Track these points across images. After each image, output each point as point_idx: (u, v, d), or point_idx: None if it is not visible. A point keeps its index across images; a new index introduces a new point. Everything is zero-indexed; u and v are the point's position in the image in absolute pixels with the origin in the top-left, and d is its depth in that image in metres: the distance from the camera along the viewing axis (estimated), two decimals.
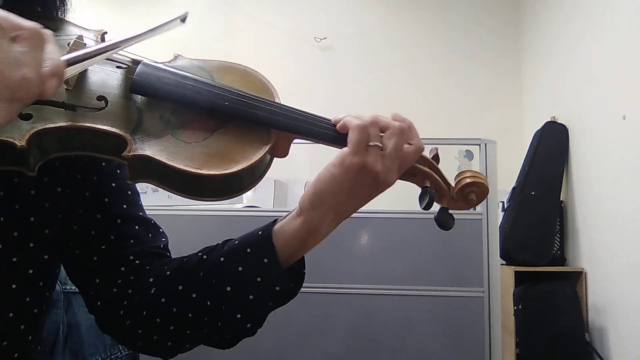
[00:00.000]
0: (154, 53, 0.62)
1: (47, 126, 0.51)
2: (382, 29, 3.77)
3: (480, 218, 1.73)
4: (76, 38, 0.59)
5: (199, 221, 1.80)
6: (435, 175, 0.64)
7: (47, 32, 0.43)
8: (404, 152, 0.59)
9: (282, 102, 0.62)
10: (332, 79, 3.66)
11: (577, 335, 2.54)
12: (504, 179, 2.46)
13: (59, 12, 0.66)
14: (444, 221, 0.63)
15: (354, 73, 3.69)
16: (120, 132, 0.54)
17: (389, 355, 1.71)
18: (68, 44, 0.58)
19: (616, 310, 2.38)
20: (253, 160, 0.55)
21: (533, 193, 2.81)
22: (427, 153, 0.65)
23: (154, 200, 1.97)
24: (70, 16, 0.67)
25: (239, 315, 0.60)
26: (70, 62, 0.46)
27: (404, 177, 0.63)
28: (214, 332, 0.62)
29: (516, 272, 2.69)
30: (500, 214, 2.81)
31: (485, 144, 1.77)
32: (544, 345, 2.56)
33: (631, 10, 2.33)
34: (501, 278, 1.76)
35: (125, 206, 0.68)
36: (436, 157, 0.65)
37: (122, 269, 0.65)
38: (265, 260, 0.58)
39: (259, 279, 0.58)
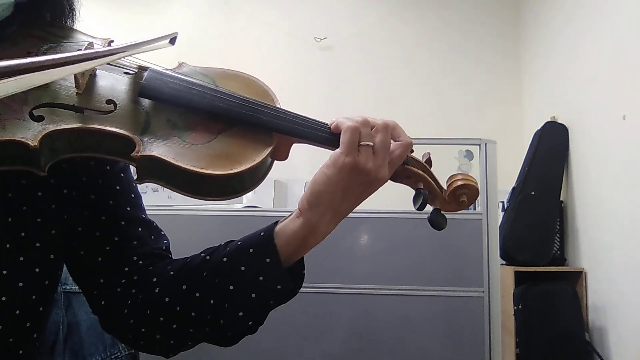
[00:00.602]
0: (156, 58, 0.64)
1: (59, 128, 0.54)
2: (382, 29, 3.77)
3: (480, 218, 1.73)
4: (87, 44, 0.61)
5: (199, 221, 1.80)
6: (428, 178, 0.67)
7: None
8: (392, 149, 0.62)
9: (282, 107, 0.64)
10: (332, 79, 3.66)
11: (577, 335, 2.54)
12: (504, 179, 2.46)
13: (68, 21, 0.68)
14: (437, 222, 0.66)
15: (354, 73, 3.70)
16: (129, 134, 0.56)
17: (389, 355, 1.71)
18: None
19: (616, 310, 2.38)
20: (256, 162, 0.57)
21: (533, 193, 2.81)
22: (420, 157, 0.68)
23: (154, 200, 1.97)
24: (78, 24, 0.69)
25: (241, 314, 0.61)
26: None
27: (398, 180, 0.66)
28: (216, 331, 0.63)
29: (516, 272, 2.69)
30: (500, 214, 2.81)
31: (485, 144, 1.77)
32: (544, 345, 2.56)
33: (631, 10, 2.33)
34: (501, 278, 1.76)
35: (129, 208, 0.70)
36: (429, 161, 0.68)
37: (126, 269, 0.66)
38: (268, 260, 0.60)
39: (261, 278, 0.60)
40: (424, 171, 0.67)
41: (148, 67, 0.62)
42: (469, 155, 3.20)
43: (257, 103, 0.62)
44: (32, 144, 0.51)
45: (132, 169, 0.58)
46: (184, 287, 0.63)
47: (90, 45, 0.62)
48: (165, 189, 0.59)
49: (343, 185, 0.59)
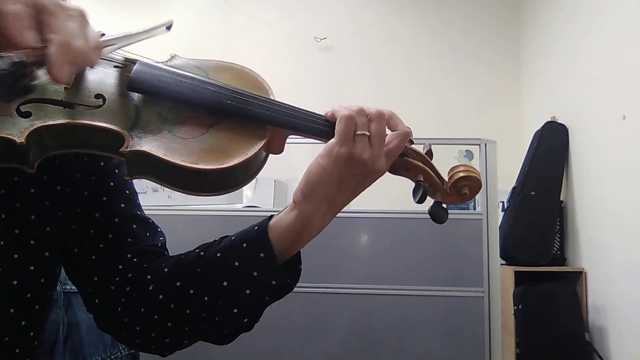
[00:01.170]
0: (153, 54, 0.63)
1: (46, 123, 0.53)
2: (382, 29, 3.77)
3: (480, 218, 1.73)
4: None
5: (198, 221, 1.80)
6: (428, 170, 0.65)
7: (87, 13, 0.51)
8: (389, 139, 0.60)
9: (277, 99, 0.63)
10: (332, 79, 3.66)
11: (577, 335, 2.54)
12: (504, 179, 2.46)
13: None
14: (438, 214, 0.65)
15: (354, 73, 3.70)
16: (118, 129, 0.55)
17: (389, 355, 1.71)
18: None
19: (616, 310, 2.38)
20: (248, 155, 0.56)
21: (533, 193, 2.81)
22: (420, 149, 0.66)
23: (154, 200, 1.97)
24: None
25: (235, 310, 0.60)
26: (105, 44, 0.53)
27: (397, 172, 0.64)
28: (211, 328, 0.63)
29: (516, 272, 2.69)
30: (500, 214, 2.81)
31: (485, 144, 1.77)
32: (544, 345, 2.56)
33: (631, 10, 2.33)
34: (501, 278, 1.76)
35: (123, 205, 0.69)
36: (429, 153, 0.66)
37: (120, 267, 0.65)
38: (262, 254, 0.59)
39: (255, 274, 0.59)
40: (424, 163, 0.65)
41: (137, 60, 0.61)
42: (469, 155, 3.19)
43: (250, 95, 0.60)
44: (19, 141, 0.50)
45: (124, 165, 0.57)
46: (178, 284, 0.62)
47: None
48: (165, 188, 0.58)
49: (338, 177, 0.58)
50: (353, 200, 0.63)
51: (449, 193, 0.65)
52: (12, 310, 0.59)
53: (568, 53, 2.96)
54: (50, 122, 0.53)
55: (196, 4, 3.83)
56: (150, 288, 0.64)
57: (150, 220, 0.72)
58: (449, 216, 0.66)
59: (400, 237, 1.76)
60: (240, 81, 0.64)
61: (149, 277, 0.65)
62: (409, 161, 0.64)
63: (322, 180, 0.58)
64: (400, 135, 0.61)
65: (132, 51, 0.61)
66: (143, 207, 0.72)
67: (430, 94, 3.64)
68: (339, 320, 1.73)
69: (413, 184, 0.65)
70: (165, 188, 0.58)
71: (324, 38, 3.70)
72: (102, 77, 0.59)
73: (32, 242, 0.61)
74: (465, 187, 0.64)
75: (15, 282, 0.59)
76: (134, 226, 0.69)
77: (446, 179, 0.66)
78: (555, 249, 2.83)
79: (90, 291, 0.66)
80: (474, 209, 2.19)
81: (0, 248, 0.58)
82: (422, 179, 0.64)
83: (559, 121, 2.93)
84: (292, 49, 3.74)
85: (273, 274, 0.59)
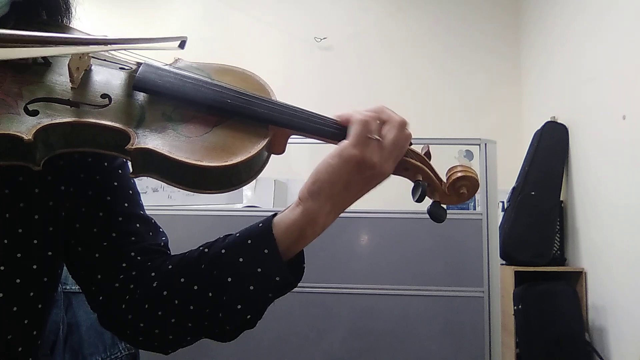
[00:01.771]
0: (156, 57, 0.64)
1: (53, 122, 0.54)
2: (382, 29, 3.77)
3: (480, 218, 1.74)
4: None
5: (199, 221, 1.80)
6: (427, 170, 0.66)
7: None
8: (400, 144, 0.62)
9: (278, 100, 0.64)
10: (332, 79, 3.66)
11: (577, 335, 2.54)
12: (504, 179, 2.46)
13: (64, 19, 0.68)
14: (437, 214, 0.65)
15: (355, 73, 3.70)
16: (123, 127, 0.56)
17: (389, 355, 1.71)
18: None
19: (616, 310, 2.38)
20: (251, 154, 0.57)
21: (533, 193, 2.81)
22: (419, 149, 0.67)
23: (154, 200, 1.97)
24: (74, 23, 0.69)
25: (239, 306, 0.61)
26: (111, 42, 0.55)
27: (397, 172, 0.65)
28: (214, 324, 0.63)
29: (516, 272, 2.69)
30: (500, 214, 2.81)
31: (485, 144, 1.77)
32: (544, 346, 2.56)
33: (631, 10, 2.33)
34: (501, 278, 1.76)
35: (126, 205, 0.70)
36: (428, 154, 0.67)
37: (124, 265, 0.66)
38: (266, 251, 0.60)
39: (259, 270, 0.60)
40: (423, 163, 0.66)
41: (143, 62, 0.62)
42: (469, 155, 3.19)
43: (252, 96, 0.62)
44: (27, 138, 0.51)
45: (129, 163, 0.58)
46: (182, 280, 0.63)
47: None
48: (165, 188, 0.59)
49: (347, 177, 0.59)
50: None
51: (448, 193, 0.66)
52: (15, 309, 0.60)
53: (568, 53, 2.96)
54: (58, 121, 0.54)
55: (196, 4, 3.83)
56: (154, 285, 0.64)
57: (153, 220, 0.73)
58: (449, 216, 0.67)
59: (400, 237, 1.76)
60: (242, 83, 0.65)
61: (153, 274, 0.65)
62: (408, 161, 0.65)
63: (330, 179, 0.59)
64: (406, 138, 0.62)
65: (137, 54, 0.62)
66: (144, 207, 0.73)
67: (430, 93, 3.64)
68: (339, 320, 1.73)
69: (412, 184, 0.66)
70: (165, 188, 0.59)
71: (324, 38, 3.70)
72: (108, 78, 0.61)
73: (35, 241, 0.61)
74: (463, 187, 0.65)
75: (18, 281, 0.60)
76: (137, 225, 0.69)
77: (444, 179, 0.67)
78: (555, 249, 2.83)
79: (94, 289, 0.67)
80: (474, 209, 2.19)
81: (4, 247, 0.59)
82: (421, 179, 0.65)
83: (559, 121, 2.94)
84: (292, 49, 3.74)
85: (277, 271, 0.60)
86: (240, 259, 0.60)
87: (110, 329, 0.69)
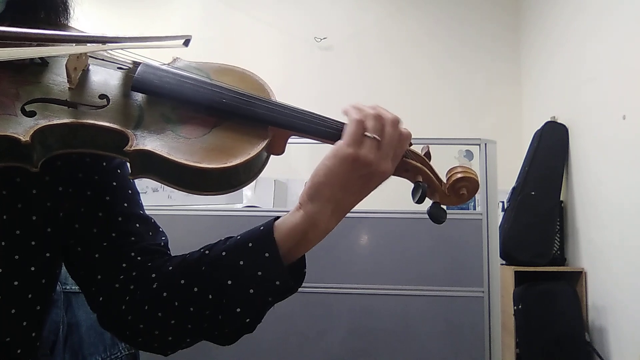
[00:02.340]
0: (155, 57, 0.63)
1: (51, 123, 0.54)
2: (382, 30, 3.77)
3: (480, 218, 1.73)
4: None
5: (199, 221, 1.80)
6: (427, 171, 0.66)
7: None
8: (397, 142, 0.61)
9: (278, 101, 0.64)
10: (332, 79, 3.66)
11: (577, 335, 2.54)
12: (504, 179, 2.46)
13: (62, 19, 0.67)
14: (437, 215, 0.65)
15: (355, 73, 3.69)
16: (122, 128, 0.56)
17: (389, 355, 1.71)
18: None
19: (616, 310, 2.38)
20: (251, 155, 0.57)
21: (533, 193, 2.81)
22: (419, 150, 0.67)
23: (154, 200, 1.97)
24: (72, 23, 0.68)
25: (238, 310, 0.60)
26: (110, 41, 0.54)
27: (397, 173, 0.65)
28: (214, 327, 0.63)
29: (516, 272, 2.69)
30: (500, 214, 2.81)
31: (485, 144, 1.77)
32: (544, 345, 2.56)
33: (631, 10, 2.33)
34: (501, 278, 1.76)
35: (126, 204, 0.69)
36: (428, 154, 0.67)
37: (124, 265, 0.66)
38: (267, 254, 0.59)
39: (259, 273, 0.59)
40: (423, 164, 0.66)
41: (141, 62, 0.61)
42: (469, 155, 3.20)
43: (252, 96, 0.61)
44: (24, 139, 0.51)
45: (127, 164, 0.58)
46: (182, 281, 0.62)
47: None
48: (165, 188, 0.59)
49: (344, 177, 0.58)
50: None
51: (447, 194, 0.66)
52: (13, 311, 0.59)
53: (568, 53, 2.96)
54: (55, 122, 0.54)
55: (196, 3, 3.83)
56: (155, 286, 0.64)
57: (152, 220, 0.72)
58: (449, 216, 0.67)
59: (400, 237, 1.76)
60: (242, 83, 0.64)
61: (153, 275, 0.65)
62: (408, 162, 0.65)
63: (327, 180, 0.59)
64: (405, 138, 0.62)
65: (136, 53, 0.62)
66: (143, 206, 0.73)
67: (430, 93, 3.64)
68: (339, 320, 1.73)
69: (412, 185, 0.66)
70: (165, 188, 0.59)
71: (324, 38, 3.70)
72: (106, 78, 0.60)
73: (33, 243, 0.61)
74: (463, 188, 0.65)
75: (16, 283, 0.59)
76: (137, 225, 0.69)
77: (444, 180, 0.67)
78: (555, 249, 2.83)
79: (94, 290, 0.66)
80: (474, 209, 2.19)
81: (2, 249, 0.58)
82: (421, 180, 0.65)
83: (559, 121, 2.93)
84: (292, 49, 3.74)
85: (277, 274, 0.59)
86: (241, 262, 0.60)
87: (109, 330, 0.68)
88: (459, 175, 0.65)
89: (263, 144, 0.58)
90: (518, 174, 2.93)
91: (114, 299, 0.65)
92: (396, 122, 0.61)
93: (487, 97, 3.64)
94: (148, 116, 0.58)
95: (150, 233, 0.70)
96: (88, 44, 0.56)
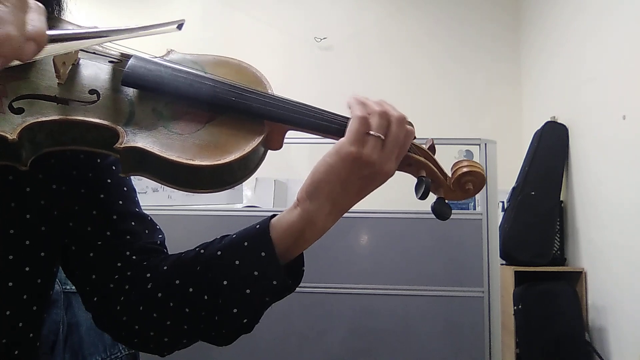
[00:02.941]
0: (150, 50, 0.62)
1: (39, 120, 0.52)
2: (382, 29, 3.77)
3: (480, 218, 1.73)
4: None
5: (198, 221, 1.80)
6: (431, 165, 0.63)
7: (33, 1, 0.44)
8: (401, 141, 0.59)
9: (275, 94, 0.61)
10: (332, 79, 3.66)
11: (577, 335, 2.54)
12: (504, 179, 2.46)
13: (55, 11, 0.66)
14: (442, 211, 0.63)
15: (355, 73, 3.70)
16: (112, 125, 0.54)
17: (389, 355, 1.71)
18: None
19: (616, 310, 2.38)
20: (246, 151, 0.55)
21: (533, 193, 2.81)
22: (424, 144, 0.65)
23: (154, 200, 1.97)
24: (66, 16, 0.67)
25: (235, 310, 0.59)
26: (54, 38, 0.46)
27: (399, 168, 0.63)
28: (211, 328, 0.62)
29: (516, 272, 2.69)
30: (500, 214, 2.81)
31: (485, 144, 1.78)
32: (544, 345, 2.56)
33: (631, 10, 2.33)
34: (501, 278, 1.76)
35: (121, 202, 0.68)
36: (432, 147, 0.65)
37: (119, 264, 0.64)
38: (263, 254, 0.57)
39: (256, 273, 0.58)
40: (427, 158, 0.63)
41: (132, 55, 0.59)
42: (469, 155, 3.19)
43: (247, 89, 0.59)
44: (11, 138, 0.49)
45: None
46: (177, 282, 0.61)
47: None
48: (165, 188, 0.58)
49: (344, 176, 0.56)
50: None
51: (453, 189, 0.63)
52: (8, 313, 0.58)
53: (568, 53, 2.96)
54: (43, 119, 0.52)
55: (195, 4, 3.83)
56: (149, 286, 0.63)
57: (149, 218, 0.71)
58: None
59: (400, 237, 1.76)
60: (238, 75, 0.62)
61: (148, 275, 0.64)
62: (412, 156, 0.62)
63: (327, 178, 0.57)
64: (408, 136, 0.60)
65: (127, 46, 0.60)
66: (143, 207, 0.72)
67: (430, 93, 3.64)
68: (339, 320, 1.73)
69: (413, 184, 0.64)
70: (165, 188, 0.57)
71: (324, 38, 3.70)
72: (96, 72, 0.58)
73: (27, 242, 0.60)
74: (469, 182, 0.63)
75: (10, 284, 0.58)
76: (133, 223, 0.67)
77: (449, 174, 0.64)
78: (555, 249, 2.83)
79: (89, 289, 0.65)
80: (474, 209, 2.19)
81: None
82: (424, 175, 0.62)
83: (559, 121, 2.94)
84: (292, 49, 3.74)
85: (274, 274, 0.58)
86: (237, 262, 0.58)
87: (105, 330, 0.67)
88: (465, 170, 0.62)
89: (258, 140, 0.56)
90: (518, 174, 2.93)
91: (109, 299, 0.64)
92: (402, 120, 0.58)
93: (487, 97, 3.64)
94: (139, 112, 0.56)
95: (147, 231, 0.69)
96: (87, 40, 0.54)
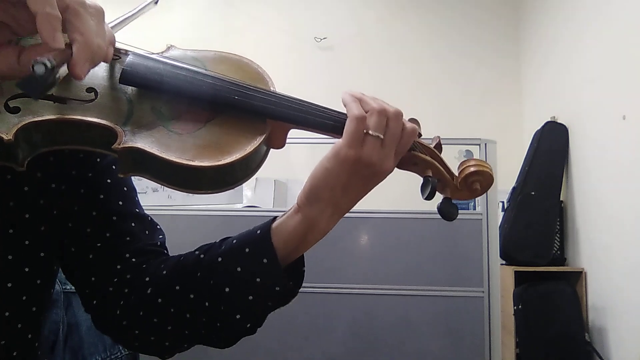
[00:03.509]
0: (150, 47, 0.61)
1: (35, 119, 0.50)
2: (382, 29, 3.77)
3: (480, 218, 1.73)
4: None
5: (199, 221, 1.80)
6: (438, 164, 0.61)
7: (101, 7, 0.50)
8: (400, 139, 0.57)
9: (277, 91, 0.60)
10: (332, 79, 3.66)
11: (577, 335, 2.54)
12: (504, 179, 2.46)
13: None
14: (448, 211, 0.61)
15: (355, 73, 3.69)
16: (110, 124, 0.52)
17: (389, 355, 1.71)
18: None
19: (616, 310, 2.38)
20: (247, 152, 0.53)
21: (533, 193, 2.81)
22: (430, 142, 0.63)
23: (154, 200, 1.97)
24: None
25: (238, 316, 0.58)
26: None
27: (405, 167, 0.61)
28: (212, 332, 0.61)
29: (516, 272, 2.69)
30: (500, 214, 2.81)
31: (485, 144, 1.77)
32: (544, 345, 2.56)
33: (631, 10, 2.33)
34: (501, 278, 1.76)
35: (121, 203, 0.67)
36: (438, 146, 0.63)
37: (118, 267, 0.63)
38: (265, 260, 0.56)
39: (258, 280, 0.57)
40: (433, 157, 0.61)
41: (130, 52, 0.58)
42: (469, 155, 3.18)
43: (248, 87, 0.57)
44: (7, 138, 0.47)
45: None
46: (177, 287, 0.60)
47: None
48: (165, 188, 0.57)
49: (344, 179, 0.55)
50: None
51: (459, 188, 0.62)
52: (7, 314, 0.57)
53: (568, 53, 2.96)
54: (40, 118, 0.50)
55: (196, 4, 3.83)
56: (149, 291, 0.62)
57: (149, 218, 0.70)
58: None
59: (400, 237, 1.76)
60: (240, 72, 0.61)
61: (147, 279, 0.62)
62: (417, 155, 0.60)
63: (326, 183, 0.55)
64: (409, 134, 0.58)
65: (126, 42, 0.58)
66: (143, 207, 0.71)
67: (430, 93, 3.64)
68: (339, 320, 1.73)
69: (415, 184, 0.63)
70: (165, 188, 0.55)
71: (324, 38, 3.70)
72: (94, 70, 0.56)
73: (26, 242, 0.59)
74: (477, 182, 0.61)
75: (9, 285, 0.57)
76: (133, 224, 0.66)
77: (456, 173, 0.62)
78: (555, 249, 2.83)
79: (88, 292, 0.64)
80: (474, 209, 2.19)
81: None
82: (430, 174, 0.60)
83: (559, 121, 2.93)
84: (292, 49, 3.74)
85: (276, 280, 0.57)
86: (238, 269, 0.57)
87: (105, 332, 0.66)
88: (473, 169, 0.61)
89: (260, 139, 0.54)
90: (518, 174, 2.93)
91: (108, 303, 0.63)
92: (399, 115, 0.57)
93: (487, 97, 3.64)
94: (138, 110, 0.54)
95: (147, 232, 0.68)
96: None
